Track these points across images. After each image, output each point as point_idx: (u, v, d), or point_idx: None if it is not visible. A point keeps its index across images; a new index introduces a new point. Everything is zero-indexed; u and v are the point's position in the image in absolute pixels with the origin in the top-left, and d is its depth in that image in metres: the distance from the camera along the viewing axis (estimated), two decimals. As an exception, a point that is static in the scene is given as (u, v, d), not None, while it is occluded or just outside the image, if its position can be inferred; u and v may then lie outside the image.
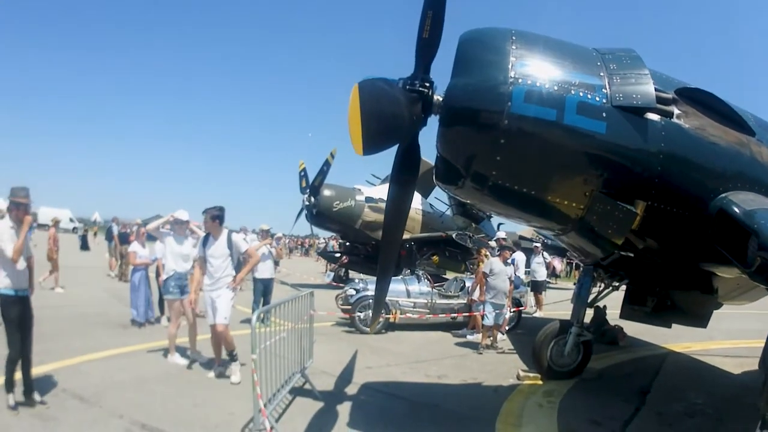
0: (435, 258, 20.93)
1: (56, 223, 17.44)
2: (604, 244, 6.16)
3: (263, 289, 12.04)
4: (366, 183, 23.32)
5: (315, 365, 8.05)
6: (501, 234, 13.95)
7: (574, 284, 31.44)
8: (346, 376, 8.27)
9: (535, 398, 7.70)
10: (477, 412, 7.01)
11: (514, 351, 10.95)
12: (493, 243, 13.94)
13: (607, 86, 5.61)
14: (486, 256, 12.54)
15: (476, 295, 11.84)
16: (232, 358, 7.80)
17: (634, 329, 11.61)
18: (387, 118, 5.18)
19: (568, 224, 6.10)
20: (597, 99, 5.50)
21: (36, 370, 6.57)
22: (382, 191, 22.11)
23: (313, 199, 20.54)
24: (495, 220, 23.51)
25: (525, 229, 30.62)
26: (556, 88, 5.42)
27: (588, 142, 5.49)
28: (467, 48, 5.64)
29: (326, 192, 20.63)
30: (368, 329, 11.80)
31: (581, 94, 5.46)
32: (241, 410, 6.24)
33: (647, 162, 5.69)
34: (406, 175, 5.85)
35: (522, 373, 8.74)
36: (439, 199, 23.62)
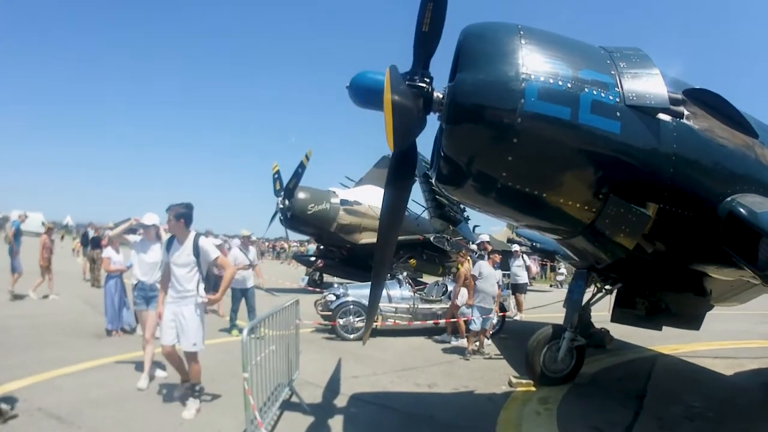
0: (412, 261, 20.67)
1: (49, 229, 16.81)
2: (614, 249, 5.87)
3: (242, 297, 11.64)
4: (340, 186, 22.98)
5: (300, 376, 7.67)
6: (485, 237, 13.63)
7: (550, 286, 32.27)
8: (333, 386, 7.84)
9: (532, 406, 7.45)
10: (474, 423, 6.70)
11: (501, 356, 10.71)
12: (473, 246, 13.57)
13: (620, 85, 5.40)
14: (467, 259, 12.18)
15: (461, 299, 11.55)
16: (194, 392, 6.58)
17: (619, 331, 11.50)
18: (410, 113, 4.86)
19: (578, 228, 5.81)
20: (610, 98, 5.28)
21: (8, 387, 6.29)
22: (356, 194, 21.86)
23: (287, 202, 20.11)
24: (471, 222, 23.33)
25: (500, 232, 30.62)
26: (569, 85, 5.15)
27: (602, 142, 5.25)
28: (473, 42, 5.34)
29: (301, 195, 20.23)
30: (350, 336, 11.49)
31: (594, 92, 5.22)
32: (228, 427, 5.87)
33: (660, 164, 5.49)
34: (403, 179, 5.52)
35: (514, 380, 8.48)
36: (416, 201, 23.37)
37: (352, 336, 11.48)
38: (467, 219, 22.32)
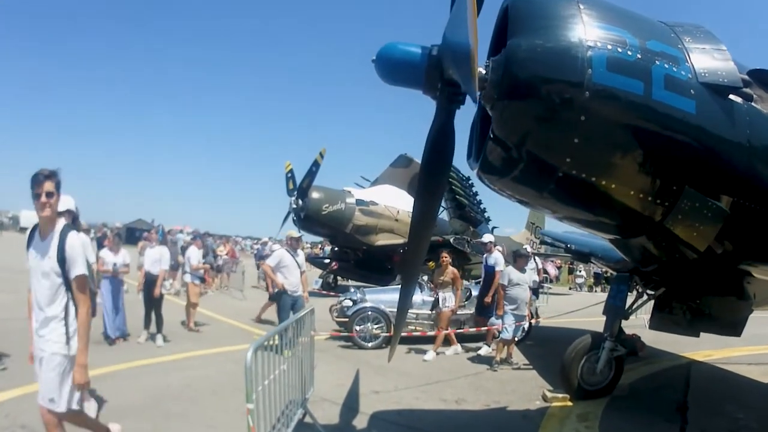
0: (431, 264, 19.81)
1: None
2: (684, 250, 5.09)
3: (293, 306, 9.92)
4: (355, 186, 22.28)
5: (314, 391, 6.90)
6: (488, 237, 12.74)
7: (570, 289, 31.46)
8: (351, 403, 7.08)
9: (571, 424, 6.79)
10: (510, 445, 5.95)
11: (530, 366, 9.99)
12: (488, 238, 12.70)
13: (689, 60, 4.63)
14: (447, 262, 11.31)
15: (449, 302, 10.88)
16: None
17: (648, 337, 10.60)
18: None
19: (645, 225, 5.01)
20: (683, 73, 4.52)
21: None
22: (372, 194, 21.16)
23: (300, 201, 19.39)
24: (491, 223, 22.52)
25: (517, 233, 29.78)
26: (639, 56, 4.37)
27: (678, 123, 4.48)
28: (525, 5, 4.56)
29: (315, 194, 19.50)
30: (368, 344, 10.76)
31: (666, 65, 4.46)
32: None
33: (735, 151, 4.75)
34: (445, 157, 4.73)
35: (549, 394, 7.78)
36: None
37: (370, 344, 10.74)
38: (488, 220, 21.55)
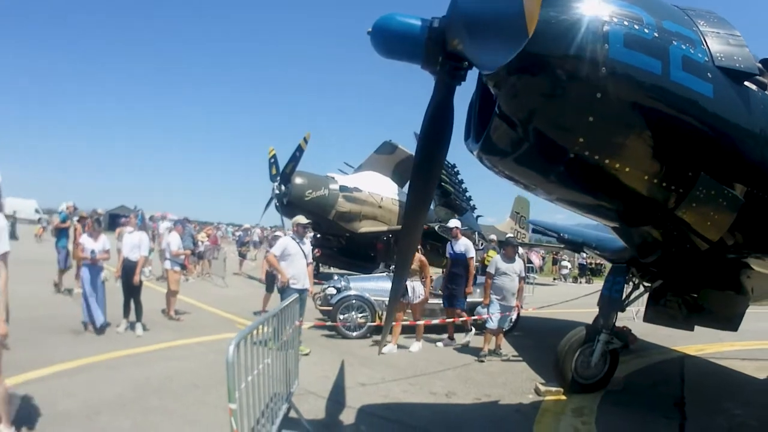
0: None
1: (82, 218, 14.13)
2: (695, 239, 4.79)
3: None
4: (338, 171, 21.92)
5: (299, 384, 6.58)
6: (455, 222, 11.75)
7: (554, 279, 31.32)
8: (337, 397, 6.77)
9: (567, 419, 6.56)
10: (506, 441, 5.70)
11: (520, 357, 9.77)
12: (454, 223, 11.70)
13: (705, 43, 4.33)
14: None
15: (419, 292, 10.32)
16: None
17: (637, 330, 10.47)
18: None
19: (657, 213, 4.70)
20: (699, 56, 4.21)
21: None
22: (356, 180, 20.82)
23: (283, 187, 18.96)
24: (476, 211, 22.30)
25: (502, 222, 29.62)
26: (656, 35, 4.04)
27: (695, 107, 4.16)
28: None
29: (298, 180, 19.06)
30: (353, 333, 10.48)
31: (683, 46, 4.13)
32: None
33: (750, 138, 4.49)
34: (437, 148, 4.43)
35: (542, 388, 7.57)
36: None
37: (354, 333, 10.44)
38: (473, 208, 21.32)
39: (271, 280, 12.66)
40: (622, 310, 7.93)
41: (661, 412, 6.99)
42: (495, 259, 10.06)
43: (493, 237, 14.47)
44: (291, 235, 9.88)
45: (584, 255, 34.82)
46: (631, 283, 8.34)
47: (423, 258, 10.50)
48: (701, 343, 11.26)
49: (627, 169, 4.26)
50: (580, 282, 31.27)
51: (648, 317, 8.10)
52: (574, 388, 7.47)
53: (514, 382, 8.07)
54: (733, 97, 4.32)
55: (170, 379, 6.98)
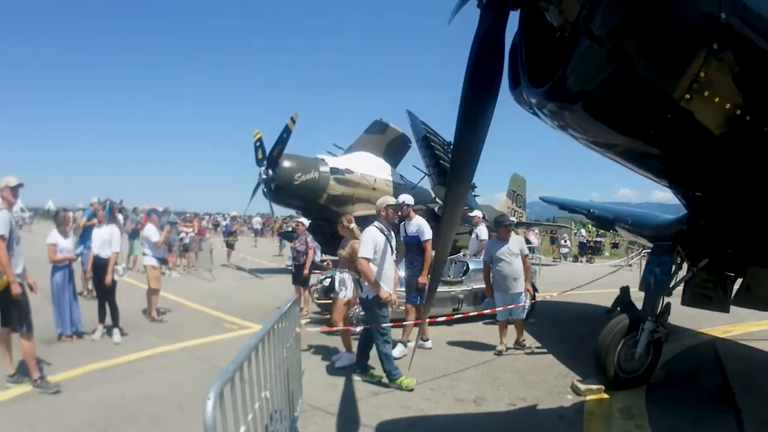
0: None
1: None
2: None
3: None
4: (328, 154, 20.78)
5: (303, 398, 5.60)
6: (406, 197, 9.08)
7: (554, 260, 30.34)
8: (349, 412, 5.72)
9: (618, 423, 5.74)
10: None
11: (543, 348, 8.79)
12: (405, 198, 9.06)
13: None
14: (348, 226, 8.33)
15: (350, 289, 8.02)
16: None
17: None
18: None
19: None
20: None
21: None
22: (347, 162, 19.80)
23: (271, 171, 17.74)
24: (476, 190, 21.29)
25: (498, 202, 28.64)
26: None
27: None
28: None
29: (286, 163, 17.85)
30: (356, 329, 9.16)
31: None
32: None
33: None
34: (486, 91, 3.47)
35: (581, 386, 6.63)
36: (417, 167, 21.23)
37: (358, 329, 9.36)
38: (474, 186, 20.24)
39: (298, 271, 11.45)
40: (669, 295, 6.95)
41: (711, 405, 6.33)
42: (487, 245, 9.02)
43: (477, 214, 13.22)
44: (376, 223, 7.28)
45: (583, 233, 34.18)
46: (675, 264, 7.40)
47: (356, 244, 7.64)
48: (727, 324, 10.42)
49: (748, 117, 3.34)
50: (581, 261, 30.25)
51: (685, 300, 7.63)
52: (616, 384, 6.63)
53: (546, 380, 7.11)
54: None
55: (150, 399, 5.92)
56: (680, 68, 3.15)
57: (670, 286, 6.98)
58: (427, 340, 8.71)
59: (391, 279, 7.11)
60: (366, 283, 6.82)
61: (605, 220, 9.98)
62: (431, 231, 8.69)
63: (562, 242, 31.39)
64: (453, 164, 3.93)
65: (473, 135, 3.60)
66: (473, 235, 13.05)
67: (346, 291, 7.91)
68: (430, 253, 8.47)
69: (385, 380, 6.68)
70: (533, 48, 3.72)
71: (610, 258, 31.44)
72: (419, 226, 8.77)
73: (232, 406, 2.77)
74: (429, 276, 7.57)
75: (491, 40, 3.35)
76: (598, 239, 34.30)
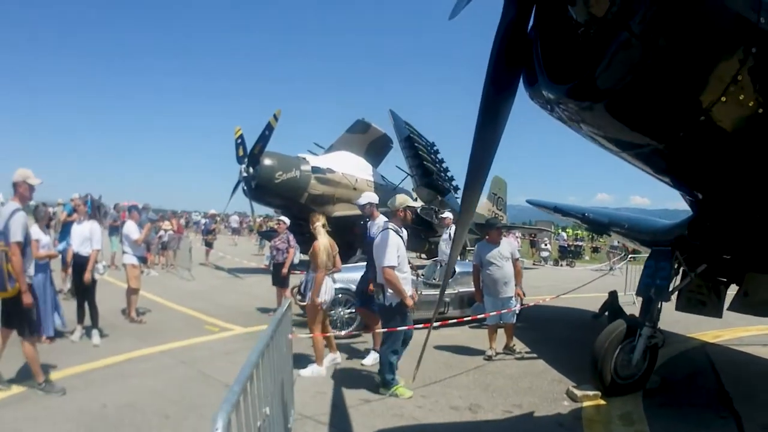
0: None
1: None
2: None
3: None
4: (308, 153, 20.54)
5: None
6: (369, 197, 8.46)
7: (534, 263, 30.29)
8: (340, 422, 5.47)
9: (619, 430, 5.64)
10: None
11: (533, 353, 8.65)
12: (368, 198, 8.46)
13: None
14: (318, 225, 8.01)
15: (324, 295, 7.43)
16: None
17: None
18: None
19: None
20: None
21: None
22: (329, 161, 19.58)
23: (251, 169, 17.44)
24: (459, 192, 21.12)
25: (480, 204, 28.53)
26: None
27: None
28: None
29: (267, 161, 17.55)
30: (341, 332, 9.14)
31: None
32: None
33: None
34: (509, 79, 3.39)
35: (578, 392, 6.50)
36: (400, 168, 21.05)
37: (343, 332, 9.14)
38: (456, 188, 20.09)
39: (277, 270, 11.23)
40: (667, 300, 6.85)
41: (711, 410, 6.26)
42: (477, 247, 8.79)
43: (448, 215, 13.12)
44: (390, 225, 6.86)
45: (564, 236, 34.28)
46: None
47: (319, 243, 7.55)
48: (716, 329, 10.36)
49: None
50: (562, 265, 30.20)
51: (680, 306, 7.68)
52: (613, 391, 6.52)
53: (540, 386, 6.96)
54: None
55: (132, 406, 5.59)
56: (719, 70, 3.01)
57: (669, 291, 6.89)
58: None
59: (410, 282, 6.85)
60: (390, 291, 6.47)
61: (600, 224, 9.86)
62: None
63: (542, 246, 31.37)
64: (471, 161, 3.70)
65: (493, 133, 3.47)
66: (444, 236, 12.83)
67: (319, 295, 7.28)
68: None
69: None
70: (548, 43, 3.55)
71: (591, 262, 31.62)
72: (380, 227, 7.72)
73: (237, 429, 2.49)
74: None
75: (513, 35, 3.23)
76: (578, 243, 34.45)
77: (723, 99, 3.07)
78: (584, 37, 3.26)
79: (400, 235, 6.74)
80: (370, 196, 8.47)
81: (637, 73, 3.03)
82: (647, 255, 7.70)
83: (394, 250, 6.48)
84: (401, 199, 7.10)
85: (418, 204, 7.44)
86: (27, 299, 5.79)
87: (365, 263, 8.46)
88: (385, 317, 6.73)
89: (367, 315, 8.31)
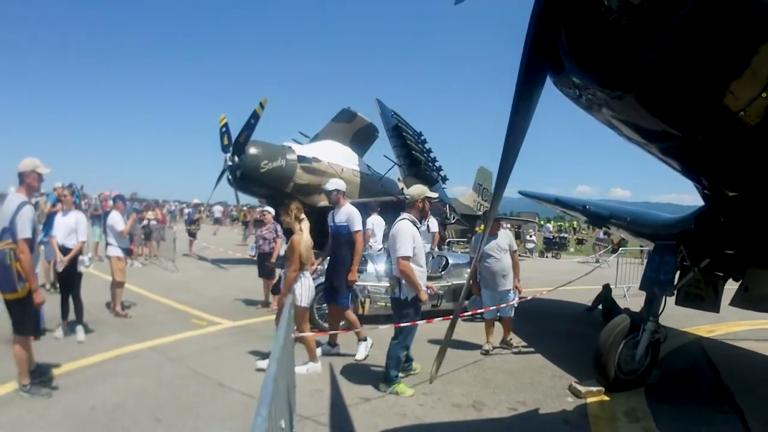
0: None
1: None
2: None
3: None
4: (293, 142, 20.24)
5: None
6: (336, 183, 8.24)
7: (520, 255, 30.06)
8: (341, 422, 5.26)
9: (625, 427, 5.56)
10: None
11: (531, 348, 8.49)
12: (334, 184, 8.28)
13: None
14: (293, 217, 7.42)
15: (300, 292, 6.90)
16: None
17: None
18: None
19: None
20: None
21: None
22: (315, 150, 19.34)
23: (236, 158, 17.13)
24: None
25: (465, 194, 28.45)
26: None
27: None
28: None
29: (252, 150, 17.25)
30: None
31: None
32: None
33: None
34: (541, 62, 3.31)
35: (581, 388, 6.40)
36: (388, 157, 20.79)
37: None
38: (444, 178, 19.94)
39: (263, 261, 11.02)
40: (671, 295, 6.76)
41: (712, 406, 6.24)
42: (474, 239, 8.57)
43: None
44: (406, 215, 6.52)
45: (550, 228, 34.30)
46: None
47: (297, 238, 7.02)
48: (709, 323, 10.40)
49: None
50: (547, 257, 30.15)
51: (679, 300, 7.53)
52: (616, 386, 6.44)
53: (541, 381, 6.84)
54: None
55: (121, 408, 5.33)
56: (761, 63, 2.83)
57: (673, 286, 6.79)
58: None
59: (425, 276, 6.58)
60: (404, 283, 6.20)
61: (600, 217, 9.69)
62: (362, 220, 8.20)
63: (528, 237, 31.33)
64: (505, 146, 3.50)
65: (525, 119, 3.38)
66: (423, 228, 12.64)
67: (303, 291, 6.87)
68: (361, 246, 7.95)
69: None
70: (576, 30, 3.38)
71: (576, 254, 31.72)
72: (349, 214, 7.81)
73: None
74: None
75: (546, 20, 3.13)
76: (563, 235, 34.51)
77: (764, 95, 2.93)
78: (614, 24, 3.08)
79: (417, 226, 6.44)
80: (337, 183, 8.21)
81: (673, 63, 2.86)
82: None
83: (410, 241, 6.18)
84: (419, 190, 6.71)
85: (436, 195, 7.18)
86: (38, 298, 5.50)
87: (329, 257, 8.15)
88: (398, 311, 6.47)
89: (332, 309, 7.97)
